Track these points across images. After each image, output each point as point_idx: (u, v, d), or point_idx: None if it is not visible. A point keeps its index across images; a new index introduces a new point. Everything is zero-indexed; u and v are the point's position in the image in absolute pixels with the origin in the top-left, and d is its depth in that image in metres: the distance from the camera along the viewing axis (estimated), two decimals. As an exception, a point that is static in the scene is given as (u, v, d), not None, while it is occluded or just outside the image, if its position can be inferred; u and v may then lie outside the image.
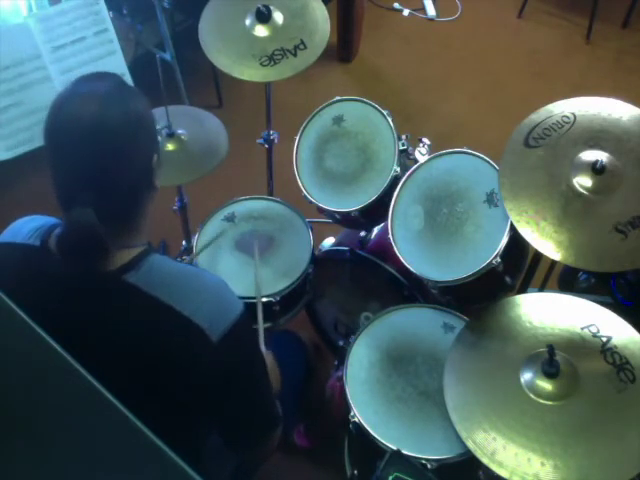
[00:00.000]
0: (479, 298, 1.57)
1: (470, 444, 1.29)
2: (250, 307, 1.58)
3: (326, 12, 1.88)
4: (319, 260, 1.86)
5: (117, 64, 1.73)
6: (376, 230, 1.96)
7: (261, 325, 1.56)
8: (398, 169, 1.70)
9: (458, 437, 1.32)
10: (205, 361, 1.05)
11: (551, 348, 1.29)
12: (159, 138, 1.72)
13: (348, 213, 1.74)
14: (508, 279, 1.52)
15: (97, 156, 1.01)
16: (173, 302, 1.05)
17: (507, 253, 1.45)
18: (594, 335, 1.38)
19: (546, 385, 1.30)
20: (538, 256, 1.59)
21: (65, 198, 1.04)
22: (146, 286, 1.05)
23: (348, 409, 1.51)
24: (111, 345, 1.05)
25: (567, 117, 1.45)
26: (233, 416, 1.16)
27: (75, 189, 1.02)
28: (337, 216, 1.82)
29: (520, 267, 1.60)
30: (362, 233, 1.93)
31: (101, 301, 1.06)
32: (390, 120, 1.75)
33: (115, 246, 1.05)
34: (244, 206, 1.92)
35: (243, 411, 1.16)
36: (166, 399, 1.07)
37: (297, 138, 1.86)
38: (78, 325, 1.04)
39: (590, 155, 1.39)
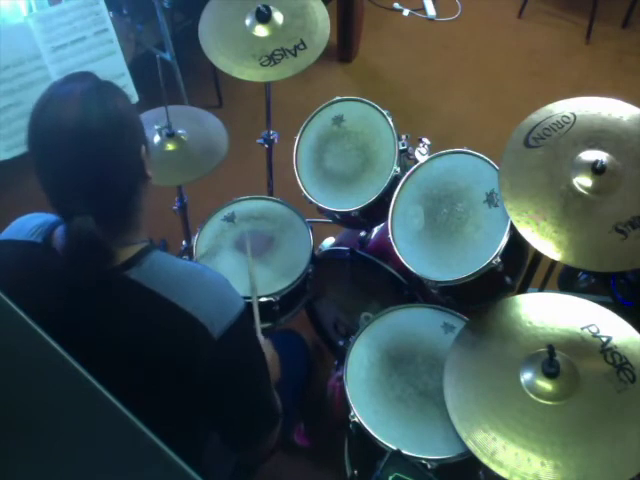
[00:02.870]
0: (479, 298, 1.57)
1: (470, 444, 1.29)
2: (251, 305, 1.59)
3: (326, 12, 1.88)
4: (319, 260, 1.86)
5: (117, 64, 1.73)
6: (376, 230, 1.96)
7: (257, 317, 1.57)
8: (398, 169, 1.70)
9: (458, 437, 1.32)
10: (206, 358, 1.05)
11: (551, 348, 1.29)
12: (158, 139, 1.76)
13: (348, 213, 1.74)
14: (508, 279, 1.52)
15: (84, 159, 1.00)
16: (175, 299, 1.05)
17: (507, 253, 1.45)
18: (594, 335, 1.38)
19: (546, 385, 1.30)
20: (538, 256, 1.59)
21: (59, 205, 1.04)
22: (148, 282, 1.05)
23: (348, 409, 1.51)
24: (113, 342, 1.05)
25: (567, 117, 1.45)
26: (233, 413, 1.16)
27: (67, 195, 1.02)
28: (337, 216, 1.82)
29: (520, 267, 1.60)
30: (362, 233, 1.93)
31: (103, 298, 1.06)
32: (390, 120, 1.75)
33: (116, 244, 1.06)
34: (244, 206, 1.92)
35: (243, 408, 1.16)
36: (167, 396, 1.08)
37: (297, 138, 1.86)
38: (80, 322, 1.04)
39: (590, 155, 1.38)
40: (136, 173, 1.08)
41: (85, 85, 1.04)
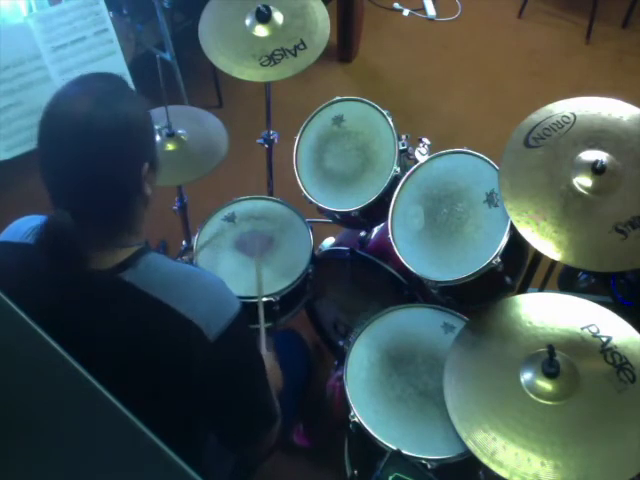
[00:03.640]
0: (479, 298, 1.57)
1: (470, 444, 1.29)
2: (248, 307, 1.59)
3: (326, 12, 1.88)
4: (319, 260, 1.86)
5: (117, 64, 1.73)
6: (376, 230, 1.96)
7: (262, 325, 1.56)
8: (398, 169, 1.70)
9: (458, 437, 1.32)
10: (202, 360, 1.05)
11: (551, 348, 1.29)
12: (158, 139, 1.76)
13: (348, 213, 1.74)
14: (508, 279, 1.52)
15: (84, 157, 1.01)
16: (170, 301, 1.05)
17: (507, 253, 1.45)
18: (594, 335, 1.38)
19: (546, 385, 1.30)
20: (538, 256, 1.59)
21: (59, 203, 1.04)
22: (143, 285, 1.05)
23: (348, 409, 1.51)
24: (108, 344, 1.05)
25: (567, 117, 1.45)
26: (231, 413, 1.16)
27: (61, 188, 1.03)
28: (337, 216, 1.82)
29: (520, 267, 1.60)
30: (362, 233, 1.93)
31: (97, 300, 1.06)
32: (390, 120, 1.75)
33: (111, 245, 1.06)
34: (244, 206, 1.92)
35: (241, 408, 1.16)
36: (165, 397, 1.07)
37: (297, 138, 1.86)
38: (75, 323, 1.04)
39: (590, 155, 1.38)
40: (131, 184, 1.07)
41: (105, 86, 1.06)
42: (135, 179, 1.07)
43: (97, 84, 1.06)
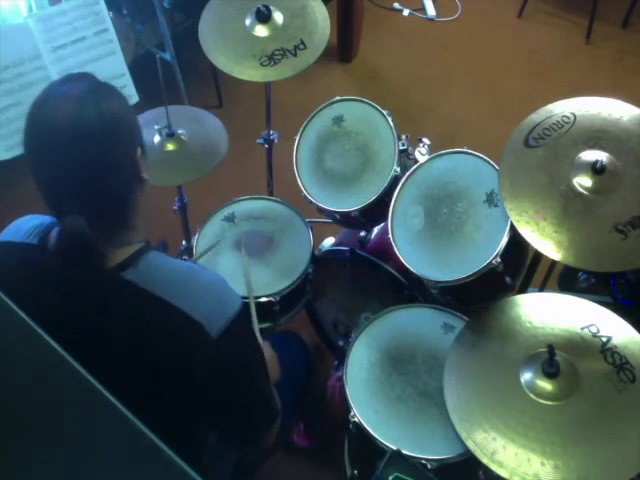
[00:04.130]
0: (479, 298, 1.57)
1: (470, 444, 1.29)
2: (249, 305, 1.59)
3: (326, 12, 1.88)
4: (319, 260, 1.86)
5: (117, 64, 1.73)
6: (376, 230, 1.96)
7: (254, 317, 1.57)
8: (398, 169, 1.70)
9: (458, 437, 1.32)
10: (204, 357, 1.06)
11: (551, 348, 1.29)
12: (158, 139, 1.76)
13: (348, 213, 1.74)
14: (508, 279, 1.52)
15: (78, 159, 1.01)
16: (172, 299, 1.05)
17: (507, 253, 1.45)
18: (594, 335, 1.38)
19: (546, 385, 1.30)
20: (538, 256, 1.59)
21: (54, 204, 1.04)
22: (144, 283, 1.05)
23: (348, 409, 1.51)
24: (110, 343, 1.05)
25: (567, 117, 1.45)
26: (232, 411, 1.16)
27: (61, 195, 1.02)
28: (337, 216, 1.82)
29: (520, 267, 1.60)
30: (362, 233, 1.93)
31: (99, 299, 1.06)
32: (390, 120, 1.75)
33: (111, 244, 1.06)
34: (244, 206, 1.92)
35: (242, 406, 1.17)
36: (166, 396, 1.08)
37: (297, 138, 1.86)
38: (77, 323, 1.04)
39: (590, 155, 1.39)
40: (130, 175, 1.08)
41: (82, 86, 1.05)
42: (133, 167, 1.08)
43: (70, 86, 1.05)
